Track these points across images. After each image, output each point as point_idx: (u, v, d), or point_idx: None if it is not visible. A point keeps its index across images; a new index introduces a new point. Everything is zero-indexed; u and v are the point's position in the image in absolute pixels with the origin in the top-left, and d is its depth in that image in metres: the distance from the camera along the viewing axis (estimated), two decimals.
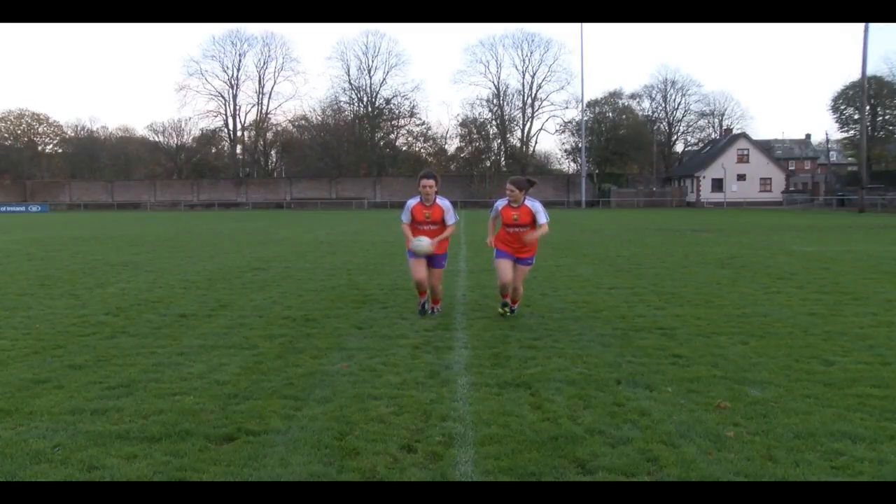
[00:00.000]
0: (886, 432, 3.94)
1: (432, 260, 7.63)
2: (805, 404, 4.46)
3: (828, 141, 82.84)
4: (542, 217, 7.27)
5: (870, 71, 54.48)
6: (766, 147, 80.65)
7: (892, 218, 36.98)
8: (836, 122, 75.67)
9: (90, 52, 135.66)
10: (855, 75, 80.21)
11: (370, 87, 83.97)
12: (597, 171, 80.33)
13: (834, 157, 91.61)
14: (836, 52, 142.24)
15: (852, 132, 72.96)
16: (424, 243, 7.39)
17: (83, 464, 3.56)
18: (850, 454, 3.63)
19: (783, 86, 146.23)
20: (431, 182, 7.49)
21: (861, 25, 48.83)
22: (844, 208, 53.86)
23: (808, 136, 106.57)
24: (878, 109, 72.05)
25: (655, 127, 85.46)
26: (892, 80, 70.92)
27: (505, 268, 7.33)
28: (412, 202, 7.66)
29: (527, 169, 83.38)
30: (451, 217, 7.64)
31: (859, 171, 54.75)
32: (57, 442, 3.86)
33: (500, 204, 7.41)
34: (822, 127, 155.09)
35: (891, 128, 73.79)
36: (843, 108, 73.56)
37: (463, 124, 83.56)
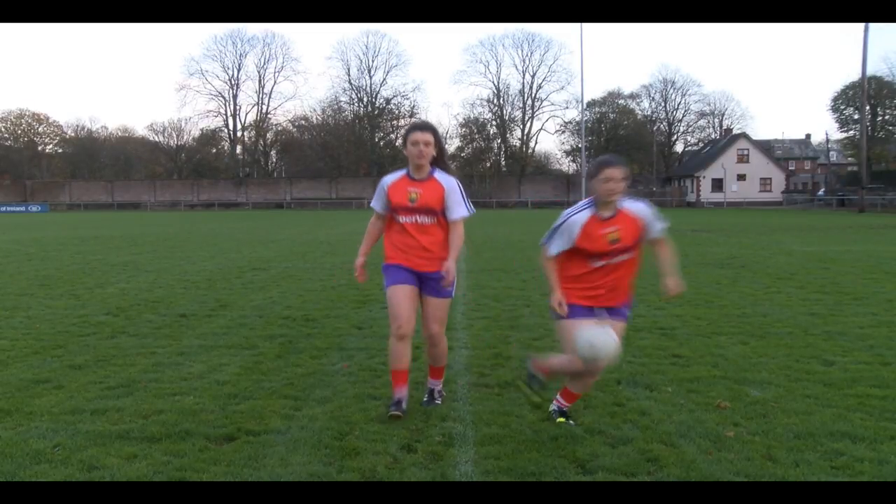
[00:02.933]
0: (886, 432, 3.93)
1: (431, 286, 4.33)
2: (805, 404, 4.46)
3: (828, 141, 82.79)
4: (659, 225, 4.07)
5: (870, 71, 54.50)
6: (766, 147, 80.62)
7: (892, 218, 36.97)
8: (836, 122, 75.76)
9: (90, 52, 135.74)
10: (855, 75, 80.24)
11: (370, 87, 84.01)
12: None
13: (834, 157, 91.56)
14: (836, 52, 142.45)
15: (852, 132, 72.98)
16: (608, 342, 3.75)
17: (83, 464, 3.56)
18: (850, 454, 3.63)
19: (783, 86, 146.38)
20: (428, 136, 4.24)
21: (861, 25, 48.84)
22: (844, 208, 53.84)
23: (808, 136, 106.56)
24: (878, 109, 72.05)
25: (655, 127, 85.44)
26: (892, 80, 70.94)
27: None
28: (390, 179, 4.41)
29: (526, 169, 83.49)
30: (460, 207, 4.29)
31: (859, 171, 54.73)
32: (57, 442, 3.86)
33: (579, 220, 3.92)
34: (822, 127, 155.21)
35: (891, 128, 73.79)
36: (842, 108, 73.59)
37: (464, 124, 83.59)
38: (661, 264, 4.08)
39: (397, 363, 4.30)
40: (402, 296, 4.28)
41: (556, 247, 4.01)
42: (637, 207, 4.01)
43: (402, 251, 4.33)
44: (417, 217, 4.27)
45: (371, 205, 4.53)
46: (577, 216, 3.94)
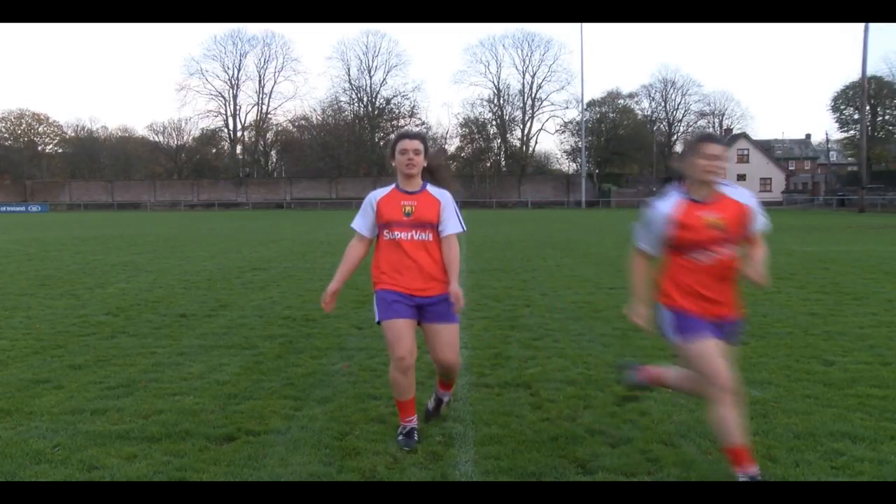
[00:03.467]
0: (886, 432, 3.94)
1: (434, 313, 3.91)
2: (805, 404, 4.46)
3: (828, 141, 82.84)
4: (762, 220, 3.44)
5: (870, 71, 54.52)
6: (766, 147, 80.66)
7: (892, 218, 36.97)
8: (836, 122, 75.85)
9: (90, 52, 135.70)
10: (855, 75, 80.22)
11: (370, 87, 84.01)
12: (597, 171, 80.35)
13: (834, 157, 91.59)
14: (836, 52, 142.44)
15: (852, 132, 73.04)
16: None
17: (83, 464, 3.56)
18: (850, 454, 3.63)
19: (783, 86, 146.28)
20: (417, 144, 3.93)
21: (861, 25, 48.84)
22: (844, 208, 53.85)
23: (808, 136, 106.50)
24: (878, 109, 72.11)
25: (655, 127, 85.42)
26: (892, 80, 70.99)
27: (718, 353, 3.33)
28: (379, 193, 4.02)
29: (526, 169, 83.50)
30: (453, 222, 3.92)
31: (859, 171, 54.77)
32: (57, 442, 3.86)
33: (668, 204, 3.37)
34: (822, 127, 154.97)
35: (891, 128, 73.86)
36: (843, 108, 73.66)
37: (464, 124, 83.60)
38: (752, 257, 3.35)
39: (404, 395, 3.89)
40: (402, 327, 3.82)
41: (644, 239, 3.45)
42: (742, 193, 3.39)
43: (397, 272, 3.86)
44: (414, 233, 3.86)
45: (352, 225, 4.02)
46: (666, 201, 3.38)
